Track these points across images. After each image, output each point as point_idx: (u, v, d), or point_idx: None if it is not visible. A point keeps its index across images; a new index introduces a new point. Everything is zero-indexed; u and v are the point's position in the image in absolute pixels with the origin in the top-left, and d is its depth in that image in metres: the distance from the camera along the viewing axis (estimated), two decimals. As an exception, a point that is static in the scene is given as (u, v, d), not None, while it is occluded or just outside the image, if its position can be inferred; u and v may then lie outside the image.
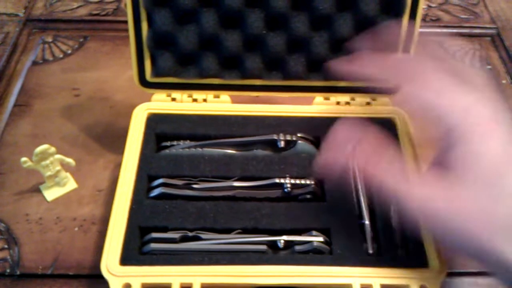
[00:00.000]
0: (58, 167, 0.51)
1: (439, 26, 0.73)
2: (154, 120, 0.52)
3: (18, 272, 0.48)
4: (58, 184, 0.53)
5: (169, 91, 0.53)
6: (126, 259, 0.42)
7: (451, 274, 0.46)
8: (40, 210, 0.52)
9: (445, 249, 0.42)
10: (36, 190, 0.53)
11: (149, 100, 0.53)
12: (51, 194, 0.53)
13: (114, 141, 0.55)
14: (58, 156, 0.50)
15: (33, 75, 0.65)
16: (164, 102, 0.53)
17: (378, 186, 0.38)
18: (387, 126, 0.51)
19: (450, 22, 0.73)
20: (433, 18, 0.74)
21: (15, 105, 0.62)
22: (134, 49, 0.50)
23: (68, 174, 0.53)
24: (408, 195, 0.36)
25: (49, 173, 0.51)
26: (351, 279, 0.41)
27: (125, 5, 0.48)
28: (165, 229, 0.45)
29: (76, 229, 0.50)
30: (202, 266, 0.42)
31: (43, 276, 0.47)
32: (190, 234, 0.44)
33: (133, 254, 0.43)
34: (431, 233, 0.41)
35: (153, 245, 0.43)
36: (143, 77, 0.52)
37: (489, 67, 0.68)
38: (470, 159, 0.34)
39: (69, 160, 0.51)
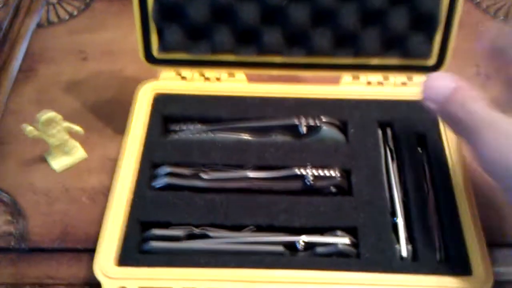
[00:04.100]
0: (66, 136, 0.50)
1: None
2: (161, 101, 0.50)
3: (24, 246, 0.47)
4: (66, 153, 0.52)
5: (178, 69, 0.51)
6: (123, 258, 0.40)
7: (499, 283, 0.42)
8: (47, 181, 0.51)
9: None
10: (43, 160, 0.52)
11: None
12: (58, 164, 0.52)
13: (125, 106, 0.52)
14: (65, 124, 0.49)
15: (38, 39, 0.64)
16: (172, 81, 0.51)
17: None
18: (424, 109, 0.47)
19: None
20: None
21: (19, 71, 0.60)
22: (139, 22, 0.48)
23: (76, 143, 0.52)
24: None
25: (56, 142, 0.50)
26: None
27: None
28: (168, 225, 0.42)
29: (85, 200, 0.49)
30: (208, 268, 0.39)
31: (51, 250, 0.46)
32: (196, 231, 0.42)
33: (131, 253, 0.41)
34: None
35: (154, 243, 0.41)
36: (149, 53, 0.50)
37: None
38: None
39: (78, 128, 0.50)
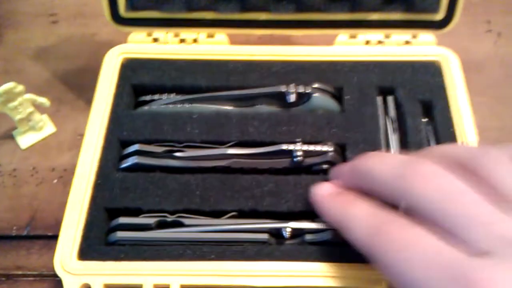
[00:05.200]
0: (30, 109, 0.49)
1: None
2: (130, 67, 0.46)
3: (-12, 234, 0.45)
4: (33, 128, 0.50)
5: (149, 29, 0.48)
6: (86, 251, 0.37)
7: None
8: (13, 160, 0.50)
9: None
10: (8, 136, 0.51)
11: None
12: (25, 140, 0.50)
13: (98, 76, 0.51)
14: (28, 95, 0.48)
15: (4, 0, 0.62)
16: (143, 44, 0.48)
17: None
18: (430, 72, 0.46)
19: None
20: None
21: (-18, 37, 0.59)
22: (102, -25, 0.45)
23: (44, 117, 0.51)
24: None
25: (19, 116, 0.48)
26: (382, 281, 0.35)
27: None
28: (137, 212, 0.39)
29: (55, 181, 0.48)
30: (183, 261, 0.36)
31: (19, 238, 0.46)
32: (169, 218, 0.38)
33: (95, 245, 0.37)
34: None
35: (120, 234, 0.37)
36: (116, 11, 0.46)
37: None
38: None
39: (42, 100, 0.48)
